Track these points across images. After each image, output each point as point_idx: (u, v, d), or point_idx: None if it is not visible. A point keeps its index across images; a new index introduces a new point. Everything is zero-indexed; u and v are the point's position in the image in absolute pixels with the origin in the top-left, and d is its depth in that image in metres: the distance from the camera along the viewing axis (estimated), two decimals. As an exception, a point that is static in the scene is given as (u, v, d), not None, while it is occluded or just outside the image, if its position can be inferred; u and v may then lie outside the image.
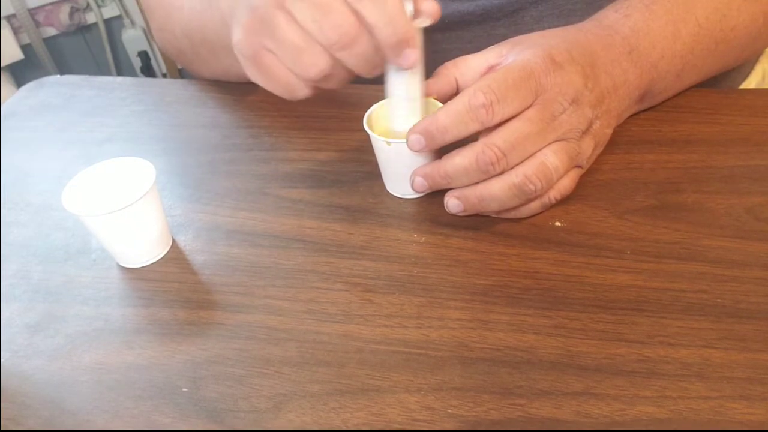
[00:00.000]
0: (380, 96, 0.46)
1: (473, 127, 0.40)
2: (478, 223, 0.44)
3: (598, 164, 0.47)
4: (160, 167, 0.48)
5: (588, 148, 0.43)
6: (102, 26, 1.67)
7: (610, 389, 0.34)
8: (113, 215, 0.41)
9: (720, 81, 0.57)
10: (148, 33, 1.70)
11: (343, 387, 0.35)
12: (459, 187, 0.42)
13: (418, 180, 0.43)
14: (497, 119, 0.39)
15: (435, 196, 0.46)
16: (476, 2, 0.56)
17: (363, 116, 0.46)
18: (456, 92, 0.46)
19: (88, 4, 1.62)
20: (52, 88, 0.67)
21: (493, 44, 0.46)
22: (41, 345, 0.40)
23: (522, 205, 0.42)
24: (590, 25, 0.47)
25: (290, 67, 0.42)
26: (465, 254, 0.42)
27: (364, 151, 0.50)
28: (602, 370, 0.35)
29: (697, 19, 0.48)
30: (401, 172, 0.45)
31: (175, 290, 0.42)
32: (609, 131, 0.45)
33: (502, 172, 0.40)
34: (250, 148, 0.54)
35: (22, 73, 1.59)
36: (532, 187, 0.40)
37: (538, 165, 0.40)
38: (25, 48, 1.56)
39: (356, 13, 0.38)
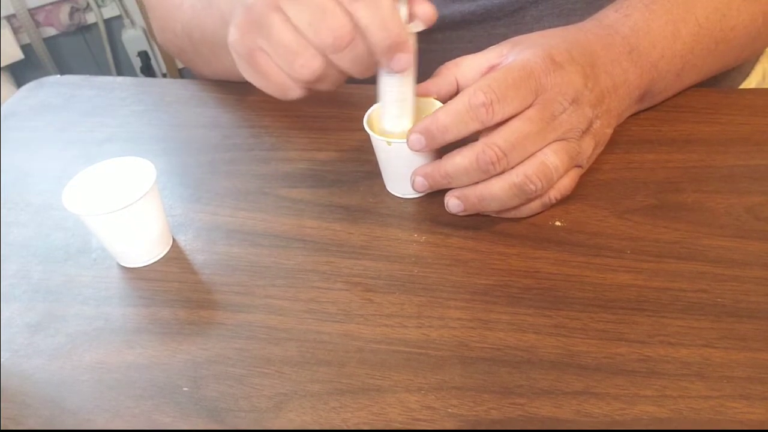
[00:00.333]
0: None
1: (473, 127, 0.40)
2: (479, 222, 0.44)
3: (598, 164, 0.47)
4: (161, 167, 0.48)
5: (588, 148, 0.43)
6: (102, 26, 1.67)
7: (611, 388, 0.34)
8: (113, 215, 0.41)
9: (720, 81, 0.58)
10: (148, 33, 1.70)
11: (344, 386, 0.35)
12: (459, 187, 0.42)
13: (419, 180, 0.43)
14: (497, 119, 0.39)
15: (435, 195, 0.46)
16: (477, 2, 0.56)
17: (363, 116, 0.46)
18: (456, 92, 0.46)
19: (88, 4, 1.62)
20: (52, 88, 0.67)
21: (493, 44, 0.46)
22: (41, 344, 0.40)
23: (522, 204, 0.42)
24: (590, 25, 0.47)
25: (284, 68, 0.42)
26: (465, 254, 0.42)
27: (364, 150, 0.51)
28: (602, 369, 0.35)
29: (697, 18, 0.48)
30: (401, 171, 0.45)
31: (175, 290, 0.42)
32: (609, 131, 0.45)
33: (503, 172, 0.40)
34: (250, 148, 0.54)
35: (22, 73, 1.59)
36: (532, 186, 0.40)
37: (538, 165, 0.40)
38: (25, 48, 1.56)
39: (350, 16, 0.38)
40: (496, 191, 0.41)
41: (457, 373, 0.35)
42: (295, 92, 0.44)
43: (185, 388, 0.36)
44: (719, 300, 0.38)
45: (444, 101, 0.43)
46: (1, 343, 0.40)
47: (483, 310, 0.39)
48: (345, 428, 0.34)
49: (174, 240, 0.46)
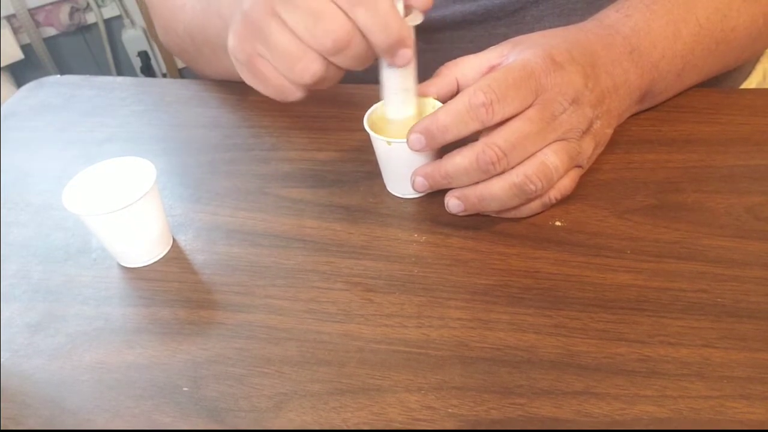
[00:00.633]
0: (380, 96, 0.46)
1: (473, 127, 0.40)
2: (479, 222, 0.44)
3: (598, 164, 0.47)
4: (161, 167, 0.48)
5: (588, 148, 0.43)
6: (102, 26, 1.67)
7: (611, 388, 0.34)
8: (114, 215, 0.41)
9: (721, 81, 0.57)
10: (148, 33, 1.70)
11: (344, 386, 0.35)
12: (459, 187, 0.42)
13: (419, 180, 0.43)
14: (497, 119, 0.39)
15: (435, 195, 0.46)
16: (478, 2, 0.56)
17: (363, 116, 0.46)
18: (457, 92, 0.46)
19: (88, 4, 1.62)
20: (52, 88, 0.67)
21: (494, 44, 0.46)
22: (41, 344, 0.40)
23: (522, 204, 0.42)
24: (591, 25, 0.47)
25: (284, 73, 0.42)
26: (465, 254, 0.42)
27: (364, 151, 0.51)
28: (602, 369, 0.35)
29: (698, 19, 0.48)
30: (401, 171, 0.45)
31: (175, 290, 0.42)
32: (609, 131, 0.45)
33: (503, 172, 0.40)
34: (251, 148, 0.54)
35: (22, 73, 1.59)
36: (532, 186, 0.40)
37: (538, 165, 0.40)
38: (25, 48, 1.56)
39: (348, 17, 0.38)
40: (496, 191, 0.41)
41: (457, 373, 0.35)
42: (295, 95, 0.44)
43: (185, 388, 0.36)
44: (719, 300, 0.38)
45: (444, 101, 0.43)
46: (1, 343, 0.40)
47: (483, 310, 0.39)
48: (345, 428, 0.34)
49: (174, 240, 0.46)
